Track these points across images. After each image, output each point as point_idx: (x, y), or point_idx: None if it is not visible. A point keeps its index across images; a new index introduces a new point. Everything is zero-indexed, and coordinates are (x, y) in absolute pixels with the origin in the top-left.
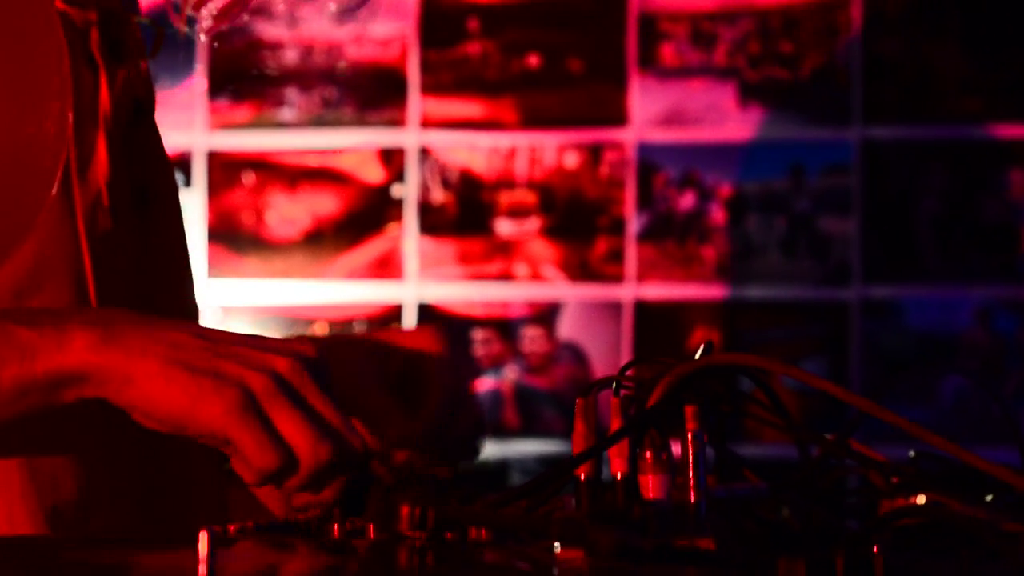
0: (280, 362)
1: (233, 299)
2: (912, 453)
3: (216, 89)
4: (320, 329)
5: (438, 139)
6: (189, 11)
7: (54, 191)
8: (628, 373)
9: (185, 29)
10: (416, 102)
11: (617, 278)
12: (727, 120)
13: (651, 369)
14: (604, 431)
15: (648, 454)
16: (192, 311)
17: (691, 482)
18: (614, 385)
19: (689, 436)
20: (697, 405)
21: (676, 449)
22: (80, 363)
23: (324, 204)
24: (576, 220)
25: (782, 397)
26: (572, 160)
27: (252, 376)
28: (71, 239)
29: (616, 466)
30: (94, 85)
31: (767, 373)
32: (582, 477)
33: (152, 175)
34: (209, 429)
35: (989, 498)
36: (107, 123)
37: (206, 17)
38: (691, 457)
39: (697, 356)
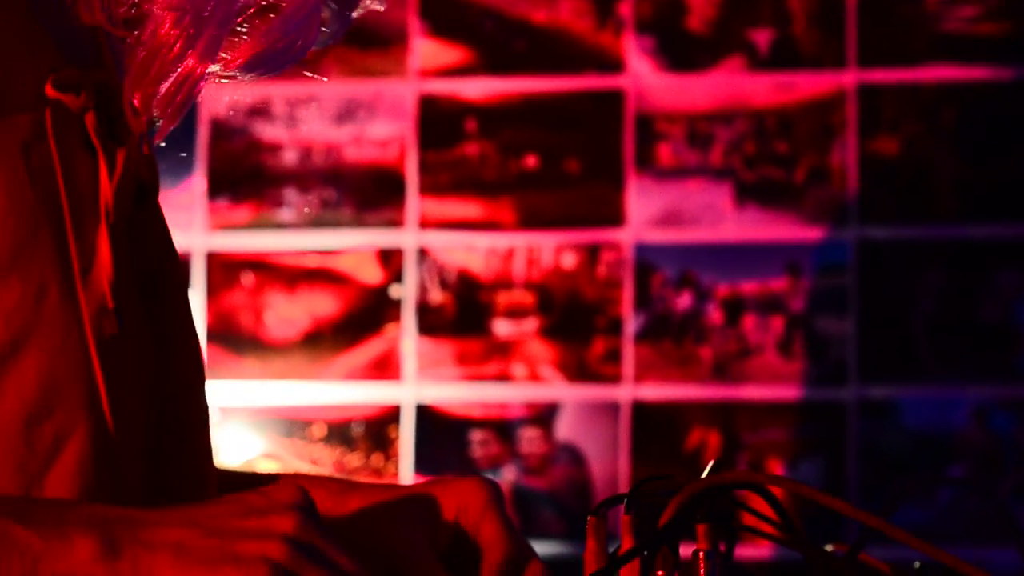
0: (284, 522)
1: (232, 400)
2: (917, 564)
3: (215, 190)
4: (319, 431)
5: (436, 240)
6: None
7: (54, 299)
8: (639, 490)
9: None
10: (414, 203)
11: (615, 378)
12: (723, 220)
13: (662, 486)
14: (616, 548)
15: (660, 574)
16: (204, 410)
17: None
18: (625, 503)
19: (701, 556)
20: (709, 523)
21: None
22: (86, 574)
23: (323, 305)
24: (574, 320)
25: (789, 510)
26: (570, 260)
27: (269, 547)
28: (79, 352)
29: None
30: (93, 173)
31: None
32: None
33: (158, 262)
34: None
35: None
36: (109, 215)
37: (157, 114)
38: None
39: (706, 474)
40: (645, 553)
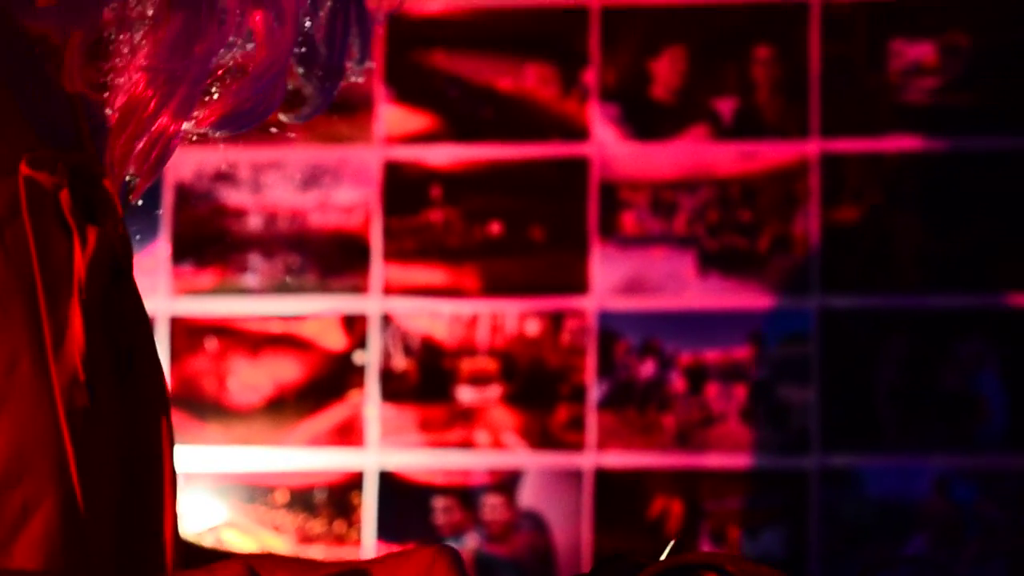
0: None
1: (194, 466)
2: None
3: (179, 254)
4: (281, 497)
5: (400, 306)
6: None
7: (25, 371)
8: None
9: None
10: (379, 269)
11: (578, 446)
12: (687, 288)
13: (623, 566)
14: None
15: None
16: (172, 481)
17: None
18: None
19: None
20: None
21: None
22: None
23: (286, 370)
24: (537, 388)
25: None
26: (533, 328)
27: None
28: (49, 423)
29: None
30: (67, 251)
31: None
32: None
33: (131, 337)
34: None
35: None
36: (82, 291)
37: (133, 171)
38: None
39: (666, 554)
40: None
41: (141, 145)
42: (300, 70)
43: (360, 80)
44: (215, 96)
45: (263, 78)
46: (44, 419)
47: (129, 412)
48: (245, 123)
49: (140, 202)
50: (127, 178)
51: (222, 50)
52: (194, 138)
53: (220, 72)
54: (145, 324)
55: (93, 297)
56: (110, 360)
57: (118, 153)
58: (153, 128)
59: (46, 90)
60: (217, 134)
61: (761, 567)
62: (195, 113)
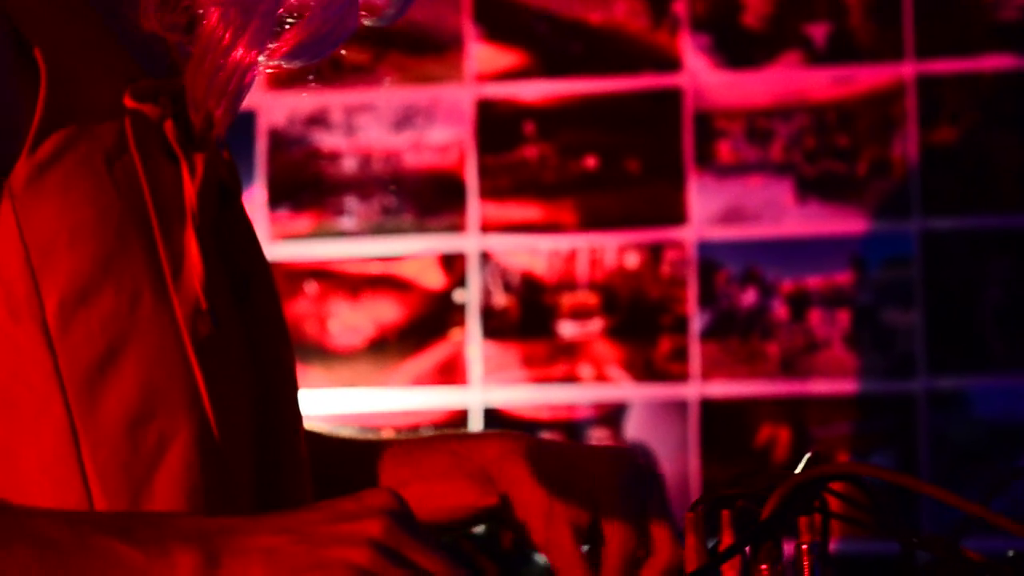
0: (372, 527)
1: None
2: (1011, 553)
3: (276, 199)
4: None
5: (498, 243)
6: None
7: (148, 304)
8: (735, 484)
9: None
10: (475, 207)
11: (682, 377)
12: (786, 216)
13: (757, 481)
14: (716, 543)
15: (764, 568)
16: (298, 410)
17: None
18: (721, 499)
19: (804, 548)
20: (812, 516)
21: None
22: None
23: (386, 311)
24: (639, 320)
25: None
26: (633, 260)
27: (354, 553)
28: (177, 354)
29: None
30: (176, 179)
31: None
32: None
33: (247, 263)
34: None
35: None
36: (195, 218)
37: (212, 107)
38: (807, 570)
39: (801, 467)
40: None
41: (219, 79)
42: None
43: None
44: (288, 26)
45: (333, 4)
46: (171, 351)
47: (251, 338)
48: (320, 51)
49: (227, 144)
50: (209, 114)
51: None
52: (271, 70)
53: (292, 2)
54: (258, 248)
55: (206, 224)
56: (228, 286)
57: (198, 88)
58: (229, 61)
59: (137, 20)
60: (293, 63)
61: (897, 474)
62: (270, 44)
